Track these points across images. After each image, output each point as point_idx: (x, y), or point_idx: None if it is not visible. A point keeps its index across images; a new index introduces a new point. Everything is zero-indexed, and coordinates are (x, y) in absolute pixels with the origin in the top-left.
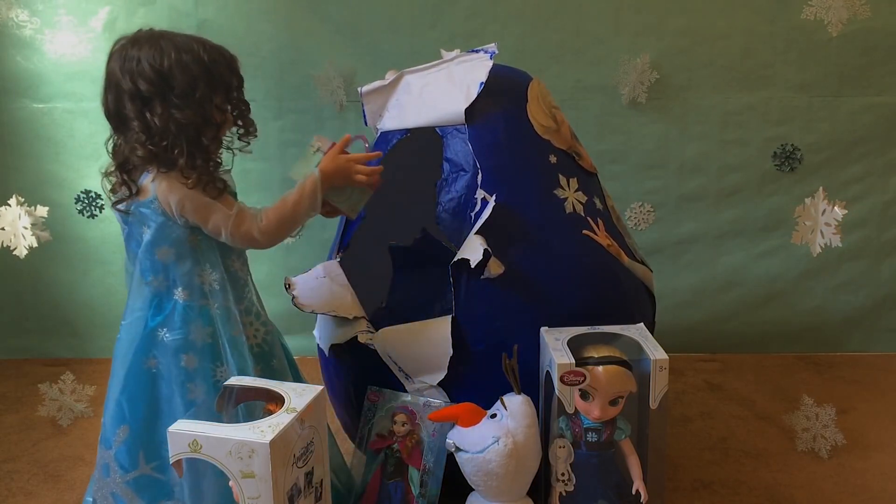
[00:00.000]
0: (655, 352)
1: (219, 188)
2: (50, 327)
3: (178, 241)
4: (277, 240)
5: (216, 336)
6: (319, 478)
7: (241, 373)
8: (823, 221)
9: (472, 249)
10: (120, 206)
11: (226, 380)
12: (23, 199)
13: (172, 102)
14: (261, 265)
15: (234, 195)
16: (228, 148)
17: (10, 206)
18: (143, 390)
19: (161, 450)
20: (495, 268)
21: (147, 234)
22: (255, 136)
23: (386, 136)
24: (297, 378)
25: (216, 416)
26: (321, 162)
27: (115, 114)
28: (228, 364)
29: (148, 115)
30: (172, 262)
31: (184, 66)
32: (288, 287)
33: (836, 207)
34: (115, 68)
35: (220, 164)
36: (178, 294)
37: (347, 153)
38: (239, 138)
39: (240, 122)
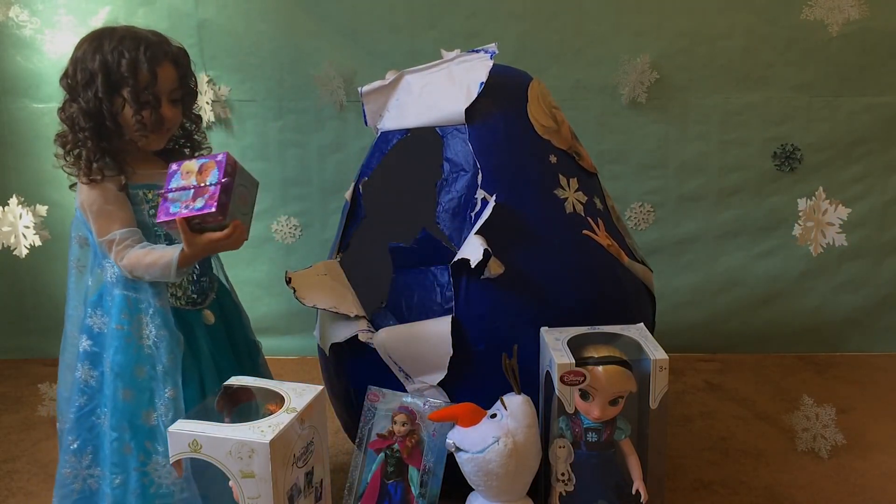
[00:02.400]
0: (655, 352)
1: (93, 179)
2: (50, 327)
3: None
4: (140, 278)
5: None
6: (319, 477)
7: (118, 365)
8: (826, 221)
9: (473, 249)
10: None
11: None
12: (23, 199)
13: (74, 97)
14: (261, 265)
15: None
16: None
17: (10, 205)
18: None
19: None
20: (495, 268)
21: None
22: (161, 131)
23: (386, 136)
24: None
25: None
26: (187, 244)
27: None
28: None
29: (63, 106)
30: (81, 247)
31: (84, 62)
32: (289, 281)
33: (839, 206)
34: None
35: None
36: (93, 276)
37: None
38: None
39: (142, 119)
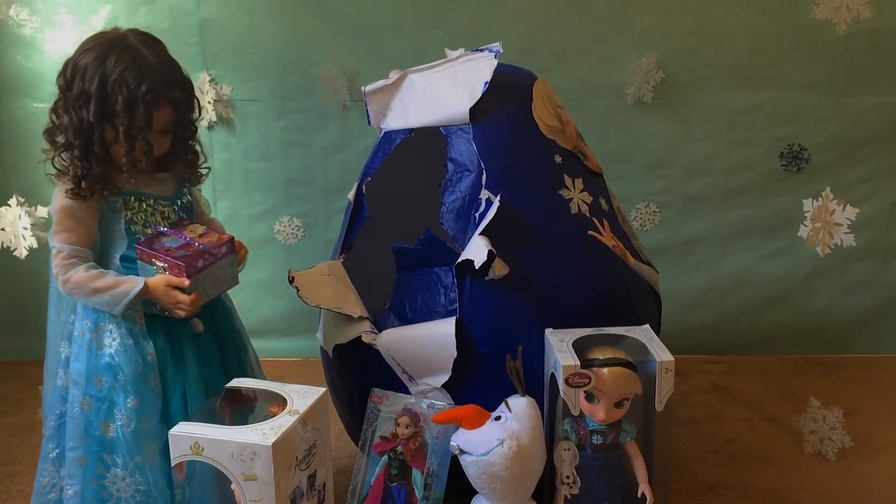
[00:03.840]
0: (661, 353)
1: (79, 194)
2: None
3: None
4: (70, 296)
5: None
6: (322, 480)
7: (76, 373)
8: (834, 221)
9: (477, 250)
10: None
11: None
12: (23, 200)
13: (66, 107)
14: (263, 265)
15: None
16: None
17: (10, 206)
18: None
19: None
20: (500, 269)
21: None
22: (137, 169)
23: (389, 135)
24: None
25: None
26: (155, 277)
27: None
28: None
29: (55, 107)
30: None
31: (84, 78)
32: (291, 280)
33: (847, 207)
34: None
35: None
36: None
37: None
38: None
39: (131, 154)
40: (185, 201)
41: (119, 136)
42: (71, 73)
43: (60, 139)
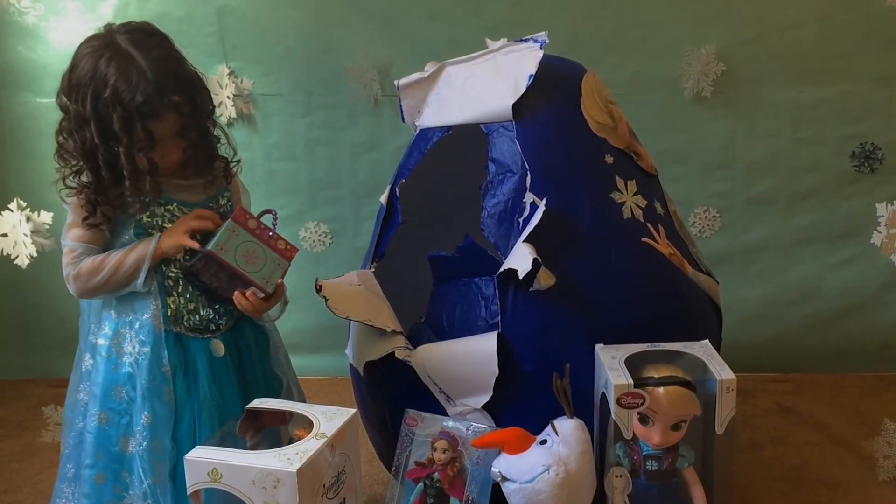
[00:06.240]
0: (722, 371)
1: (93, 224)
2: (54, 344)
3: None
4: (85, 292)
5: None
6: None
7: (95, 385)
8: None
9: (521, 259)
10: None
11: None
12: (24, 204)
13: (70, 130)
14: (288, 276)
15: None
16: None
17: (10, 210)
18: None
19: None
20: (546, 279)
21: None
22: (132, 194)
23: (425, 133)
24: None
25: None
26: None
27: None
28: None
29: (60, 128)
30: None
31: (78, 99)
32: (319, 290)
33: None
34: None
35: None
36: None
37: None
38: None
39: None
40: (219, 209)
41: (120, 154)
42: (67, 91)
43: (72, 169)
